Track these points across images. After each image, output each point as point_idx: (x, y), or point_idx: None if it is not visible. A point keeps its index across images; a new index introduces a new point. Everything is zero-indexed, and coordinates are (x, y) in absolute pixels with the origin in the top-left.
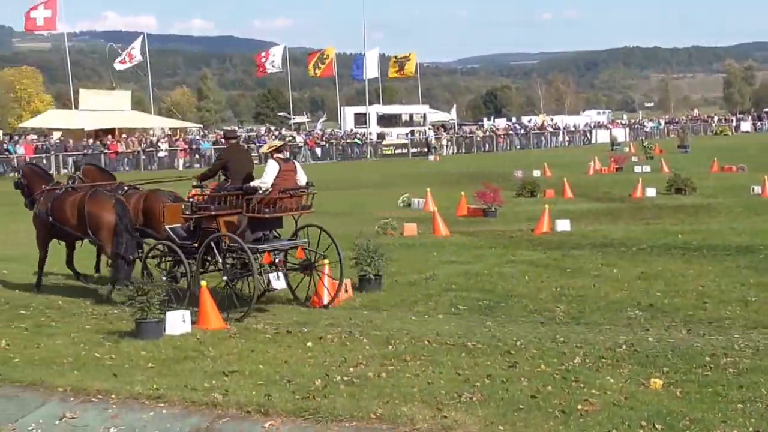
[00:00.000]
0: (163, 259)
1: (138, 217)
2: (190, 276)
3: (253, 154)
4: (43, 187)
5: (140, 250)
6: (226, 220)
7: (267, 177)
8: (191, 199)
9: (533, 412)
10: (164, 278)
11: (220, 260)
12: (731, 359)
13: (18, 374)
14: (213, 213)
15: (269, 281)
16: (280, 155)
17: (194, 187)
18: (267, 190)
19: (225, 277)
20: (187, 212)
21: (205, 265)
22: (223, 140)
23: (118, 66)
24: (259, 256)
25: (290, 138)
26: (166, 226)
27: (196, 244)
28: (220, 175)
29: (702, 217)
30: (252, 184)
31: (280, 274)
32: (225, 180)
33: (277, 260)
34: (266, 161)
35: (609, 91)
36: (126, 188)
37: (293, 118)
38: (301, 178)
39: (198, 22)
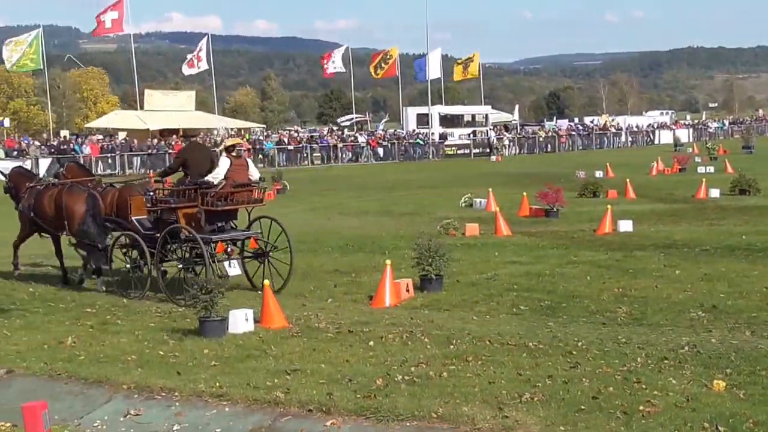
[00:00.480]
0: (130, 249)
1: (113, 209)
2: (151, 264)
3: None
4: (27, 185)
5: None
6: (185, 213)
7: (219, 172)
8: (151, 193)
9: (594, 413)
10: (127, 266)
11: (176, 249)
12: None
13: (84, 371)
14: (172, 206)
15: (224, 269)
16: (234, 153)
17: (155, 182)
18: (220, 184)
19: (180, 266)
20: (148, 205)
21: (166, 254)
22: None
23: (186, 70)
24: (212, 246)
25: (247, 137)
26: (132, 218)
27: (158, 235)
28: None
29: (766, 218)
30: (206, 178)
31: (234, 262)
32: (185, 176)
33: (229, 249)
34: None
35: (672, 91)
36: (105, 186)
37: (342, 119)
38: (253, 174)
39: (262, 23)
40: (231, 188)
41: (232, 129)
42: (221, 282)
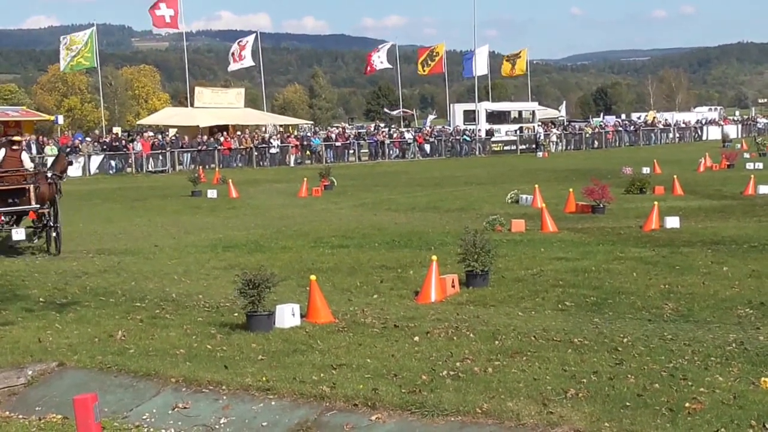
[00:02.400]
0: None
1: None
2: None
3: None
4: None
5: None
6: None
7: None
8: None
9: (640, 410)
10: None
11: None
12: None
13: (134, 364)
14: None
15: (11, 235)
16: (15, 147)
17: None
18: None
19: None
20: None
21: None
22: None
23: (230, 66)
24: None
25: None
26: None
27: None
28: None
29: None
30: None
31: (21, 230)
32: None
33: (9, 220)
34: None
35: (721, 87)
36: None
37: (391, 113)
38: (26, 163)
39: (310, 21)
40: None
41: (280, 126)
42: (270, 277)
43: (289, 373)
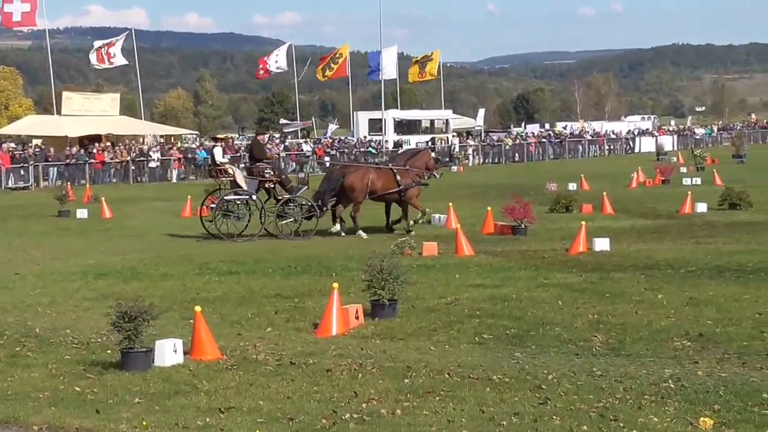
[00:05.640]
0: None
1: None
2: None
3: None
4: None
5: None
6: None
7: None
8: None
9: None
10: None
11: None
12: None
13: None
14: None
15: None
16: None
17: None
18: None
19: None
20: None
21: None
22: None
23: (95, 63)
24: None
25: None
26: None
27: None
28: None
29: (760, 235)
30: None
31: None
32: None
33: None
34: None
35: (655, 94)
36: None
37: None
38: None
39: (194, 18)
40: None
41: (161, 136)
42: (148, 308)
43: (170, 418)
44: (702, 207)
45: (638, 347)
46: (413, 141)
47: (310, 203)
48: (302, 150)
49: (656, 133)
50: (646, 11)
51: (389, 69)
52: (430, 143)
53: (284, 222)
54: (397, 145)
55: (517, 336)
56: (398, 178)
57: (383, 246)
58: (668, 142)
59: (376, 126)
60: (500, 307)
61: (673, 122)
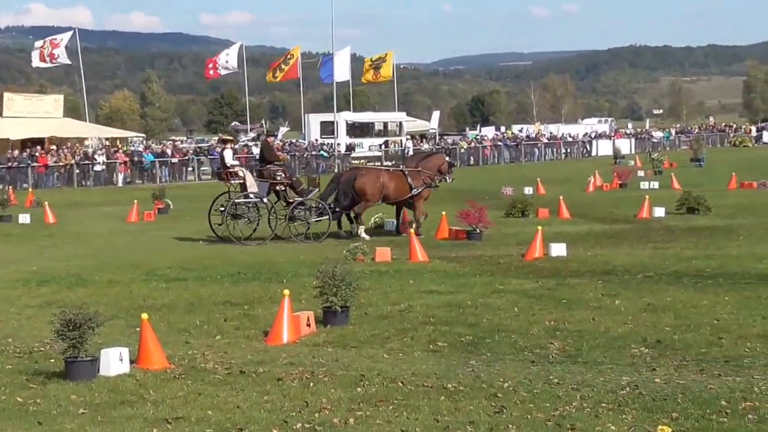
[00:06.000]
0: None
1: None
2: None
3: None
4: None
5: None
6: None
7: None
8: None
9: None
10: None
11: None
12: (751, 404)
13: None
14: None
15: None
16: None
17: None
18: None
19: None
20: None
21: None
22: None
23: (36, 62)
24: None
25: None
26: None
27: None
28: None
29: (718, 240)
30: None
31: None
32: None
33: None
34: None
35: (612, 96)
36: None
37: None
38: None
39: (139, 17)
40: None
41: (106, 139)
42: (93, 316)
43: (115, 429)
44: (660, 211)
45: (595, 354)
46: (366, 144)
47: (321, 205)
48: (252, 153)
49: (613, 137)
50: (602, 12)
51: (342, 71)
52: (383, 146)
53: (294, 225)
54: (350, 148)
55: (473, 343)
56: (409, 180)
57: (335, 252)
58: (625, 146)
59: (327, 129)
60: (455, 314)
61: (630, 125)
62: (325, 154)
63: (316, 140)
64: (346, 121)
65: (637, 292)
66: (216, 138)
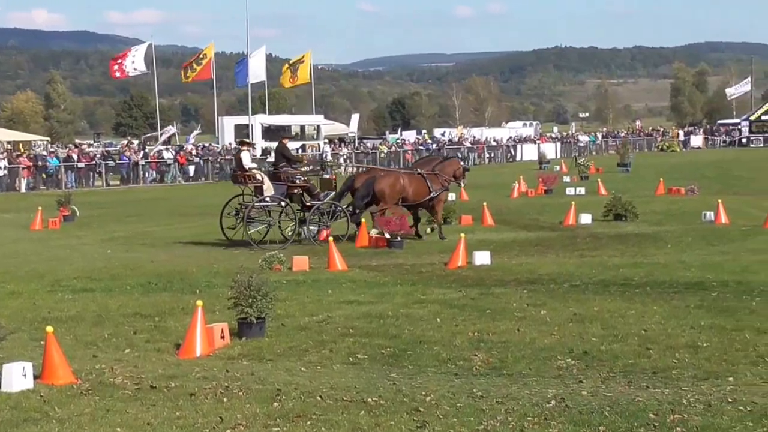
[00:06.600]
0: None
1: None
2: None
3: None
4: None
5: None
6: None
7: None
8: None
9: None
10: None
11: None
12: (679, 416)
13: None
14: None
15: None
16: None
17: None
18: None
19: None
20: None
21: None
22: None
23: None
24: None
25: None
26: None
27: None
28: None
29: (646, 248)
30: None
31: None
32: None
33: None
34: None
35: (537, 99)
36: None
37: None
38: None
39: (42, 14)
40: None
41: (8, 143)
42: None
43: None
44: (586, 218)
45: (520, 366)
46: None
47: (337, 208)
48: (162, 158)
49: (538, 141)
50: (527, 13)
51: (257, 72)
52: (300, 150)
53: (305, 227)
54: (265, 152)
55: (394, 355)
56: (429, 183)
57: (251, 261)
58: (551, 150)
59: (242, 132)
60: (375, 325)
61: (556, 129)
62: None
63: (230, 144)
64: (262, 125)
65: (563, 301)
66: (125, 141)
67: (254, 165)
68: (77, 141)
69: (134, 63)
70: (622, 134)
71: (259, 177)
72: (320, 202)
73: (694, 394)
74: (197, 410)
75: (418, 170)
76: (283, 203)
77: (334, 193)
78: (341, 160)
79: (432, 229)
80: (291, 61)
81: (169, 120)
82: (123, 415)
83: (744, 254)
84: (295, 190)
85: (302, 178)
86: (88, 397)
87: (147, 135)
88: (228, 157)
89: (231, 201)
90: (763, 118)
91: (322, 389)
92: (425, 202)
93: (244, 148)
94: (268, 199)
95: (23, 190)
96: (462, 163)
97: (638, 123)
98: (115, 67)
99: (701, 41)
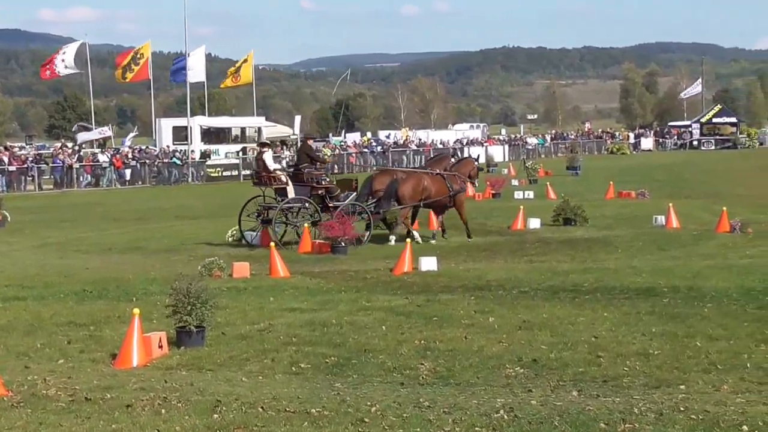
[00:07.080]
0: None
1: None
2: None
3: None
4: None
5: None
6: None
7: None
8: None
9: None
10: None
11: None
12: (630, 426)
13: None
14: None
15: None
16: None
17: None
18: None
19: None
20: None
21: None
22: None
23: None
24: None
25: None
26: None
27: None
28: None
29: (595, 253)
30: None
31: None
32: None
33: None
34: None
35: (485, 100)
36: None
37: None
38: None
39: None
40: None
41: None
42: None
43: None
44: (535, 223)
45: (468, 375)
46: (222, 151)
47: (360, 209)
48: (98, 161)
49: (486, 143)
50: (474, 12)
51: (196, 72)
52: (240, 153)
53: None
54: (205, 155)
55: (338, 365)
56: (449, 183)
57: (189, 267)
58: (498, 153)
59: (181, 134)
60: (319, 334)
61: (503, 131)
62: (178, 162)
63: (168, 147)
64: (201, 126)
65: (511, 308)
66: (58, 144)
67: (278, 166)
68: (8, 143)
69: (65, 62)
70: (572, 136)
71: (283, 178)
72: (343, 203)
73: (645, 402)
74: (134, 423)
75: (437, 171)
76: (308, 205)
77: (355, 194)
78: (283, 164)
79: (434, 235)
80: (237, 64)
81: (104, 122)
82: (56, 428)
83: (695, 259)
84: (319, 191)
85: (326, 179)
86: (20, 409)
87: (81, 123)
88: (165, 160)
89: (248, 203)
90: (714, 120)
91: (264, 400)
92: (444, 200)
93: (266, 149)
94: (294, 201)
95: None
96: (476, 163)
97: (587, 125)
98: (47, 65)
99: (651, 41)
